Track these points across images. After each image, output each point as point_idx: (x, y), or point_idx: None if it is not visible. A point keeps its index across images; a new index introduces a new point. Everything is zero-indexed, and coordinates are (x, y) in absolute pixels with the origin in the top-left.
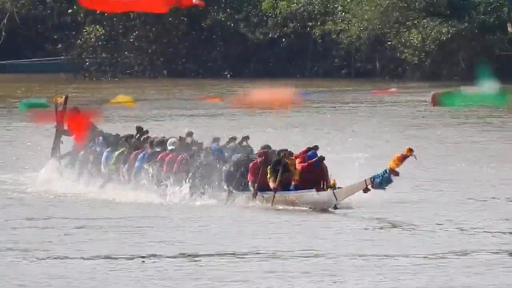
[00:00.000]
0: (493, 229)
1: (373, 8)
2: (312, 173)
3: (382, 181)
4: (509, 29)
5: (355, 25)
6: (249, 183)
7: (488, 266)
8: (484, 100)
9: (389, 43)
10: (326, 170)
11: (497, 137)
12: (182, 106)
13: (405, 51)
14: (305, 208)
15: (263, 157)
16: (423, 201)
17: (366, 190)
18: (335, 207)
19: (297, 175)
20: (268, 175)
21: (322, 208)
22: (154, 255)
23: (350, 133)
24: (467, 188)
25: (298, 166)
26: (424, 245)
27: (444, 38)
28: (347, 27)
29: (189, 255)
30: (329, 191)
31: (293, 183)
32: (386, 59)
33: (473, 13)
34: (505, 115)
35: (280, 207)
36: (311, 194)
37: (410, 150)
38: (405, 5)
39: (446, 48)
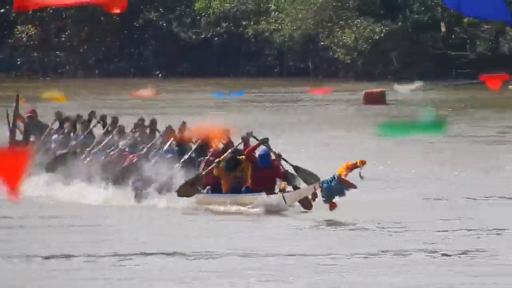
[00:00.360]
0: (429, 228)
1: (306, 8)
2: (263, 174)
3: (333, 191)
4: (442, 28)
5: (288, 24)
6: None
7: (424, 265)
8: (423, 130)
9: (322, 42)
10: (279, 168)
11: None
12: (111, 104)
13: (338, 50)
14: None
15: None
16: (366, 201)
17: (314, 195)
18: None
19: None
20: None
21: (273, 212)
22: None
23: (284, 133)
24: (407, 187)
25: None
26: (366, 244)
27: (377, 37)
28: (280, 27)
29: (122, 255)
30: (279, 194)
31: (245, 184)
32: (319, 58)
33: (406, 12)
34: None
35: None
36: (261, 198)
37: (363, 163)
38: (339, 4)
39: (379, 47)
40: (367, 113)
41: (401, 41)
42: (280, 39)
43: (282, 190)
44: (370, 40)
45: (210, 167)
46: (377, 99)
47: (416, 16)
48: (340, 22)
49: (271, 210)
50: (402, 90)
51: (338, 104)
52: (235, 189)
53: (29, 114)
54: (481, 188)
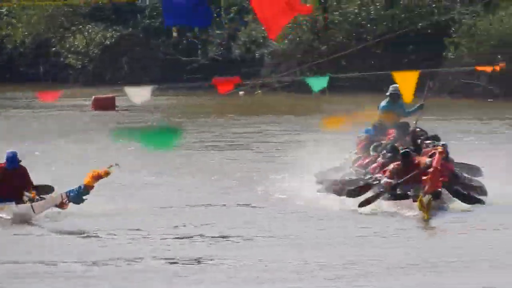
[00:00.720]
0: (164, 235)
1: (38, 13)
2: (9, 180)
3: (79, 195)
4: (174, 33)
5: (20, 30)
6: None
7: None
8: (154, 143)
9: (54, 48)
10: (26, 174)
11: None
12: None
13: (69, 56)
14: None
15: None
16: (101, 209)
17: (62, 204)
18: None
19: None
20: None
21: (22, 220)
22: None
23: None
24: (143, 194)
25: None
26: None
27: (108, 42)
28: (12, 32)
29: None
30: (28, 204)
31: None
32: (50, 63)
33: (138, 18)
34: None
35: None
36: (10, 207)
37: (107, 173)
38: (71, 10)
39: (110, 52)
40: (97, 118)
41: (132, 47)
42: (12, 45)
43: (31, 200)
44: (101, 46)
45: None
46: (106, 105)
47: (147, 21)
48: (72, 28)
49: (20, 219)
50: (133, 95)
51: (67, 109)
52: None
53: None
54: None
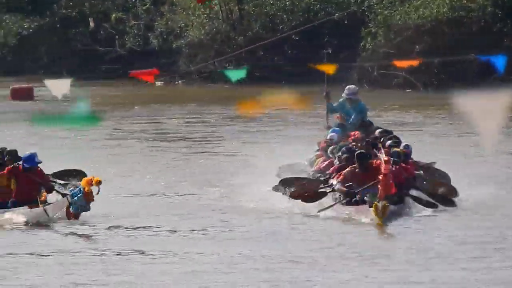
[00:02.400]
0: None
1: None
2: (25, 182)
3: (78, 206)
4: (91, 23)
5: None
6: None
7: None
8: (76, 122)
9: None
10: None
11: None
12: None
13: None
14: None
15: None
16: None
17: (68, 210)
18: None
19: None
20: None
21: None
22: None
23: None
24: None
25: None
26: None
27: (26, 32)
28: None
29: None
30: (41, 207)
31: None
32: None
33: (55, 8)
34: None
35: None
36: (24, 211)
37: (98, 182)
38: None
39: (28, 42)
40: (16, 108)
41: (50, 37)
42: None
43: (44, 202)
44: (19, 36)
45: None
46: (24, 94)
47: (64, 11)
48: None
49: (34, 222)
50: (52, 85)
51: None
52: (1, 203)
53: None
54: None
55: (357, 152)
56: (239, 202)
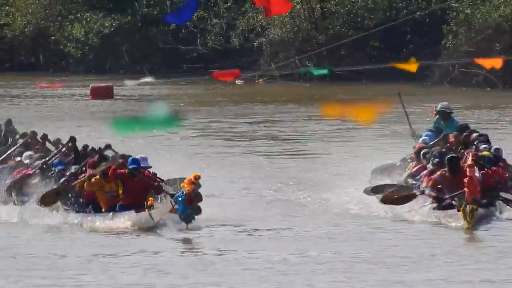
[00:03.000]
0: None
1: (36, 2)
2: (134, 187)
3: (184, 214)
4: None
5: (18, 19)
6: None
7: None
8: (157, 125)
9: (53, 37)
10: (152, 177)
11: None
12: None
13: (68, 44)
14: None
15: None
16: None
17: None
18: None
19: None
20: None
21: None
22: None
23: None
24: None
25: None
26: None
27: (107, 31)
28: (10, 21)
29: None
30: (146, 211)
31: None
32: (50, 52)
33: (136, 6)
34: None
35: None
36: (130, 215)
37: (197, 178)
38: None
39: (110, 41)
40: (94, 108)
41: (131, 36)
42: (11, 34)
43: (150, 207)
44: (100, 34)
45: (80, 180)
46: (104, 93)
47: (145, 10)
48: (70, 16)
49: (140, 226)
50: (132, 84)
51: (67, 98)
52: (112, 207)
53: None
54: None
55: (447, 156)
56: (332, 204)
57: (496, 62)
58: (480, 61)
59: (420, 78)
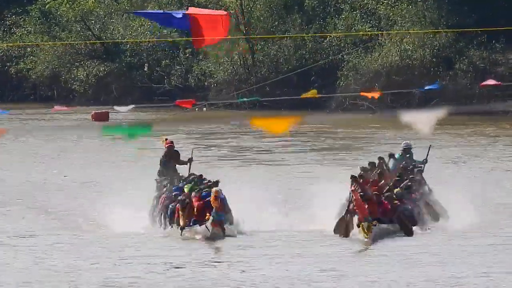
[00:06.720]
0: None
1: (51, 54)
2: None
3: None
4: (145, 67)
5: (39, 65)
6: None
7: None
8: (133, 132)
9: (63, 77)
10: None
11: None
12: None
13: (75, 83)
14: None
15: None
16: None
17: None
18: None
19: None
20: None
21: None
22: None
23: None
24: None
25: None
26: None
27: (102, 74)
28: (34, 67)
29: None
30: (203, 225)
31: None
32: (62, 89)
33: (122, 57)
34: None
35: None
36: (202, 229)
37: (218, 192)
38: (75, 51)
39: (103, 81)
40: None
41: (118, 77)
42: (35, 75)
43: (207, 221)
44: (97, 76)
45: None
46: (103, 117)
47: (129, 59)
48: (76, 63)
49: (205, 238)
50: (121, 110)
51: (76, 120)
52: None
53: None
54: None
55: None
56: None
57: (375, 94)
58: (364, 93)
59: (323, 107)
